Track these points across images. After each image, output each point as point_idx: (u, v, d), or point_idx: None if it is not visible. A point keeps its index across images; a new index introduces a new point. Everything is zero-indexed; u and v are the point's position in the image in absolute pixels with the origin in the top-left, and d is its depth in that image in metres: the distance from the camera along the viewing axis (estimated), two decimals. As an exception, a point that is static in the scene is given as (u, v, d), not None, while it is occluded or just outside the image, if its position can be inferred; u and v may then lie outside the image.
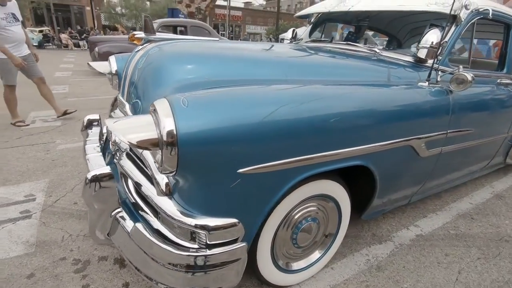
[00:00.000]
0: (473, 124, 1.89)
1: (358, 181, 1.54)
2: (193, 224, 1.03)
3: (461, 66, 1.64)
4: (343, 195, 1.47)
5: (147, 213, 1.22)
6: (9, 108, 3.64)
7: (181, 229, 1.08)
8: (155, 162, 1.06)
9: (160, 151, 0.93)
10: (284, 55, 1.74)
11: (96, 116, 1.93)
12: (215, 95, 1.06)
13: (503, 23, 2.07)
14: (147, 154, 1.17)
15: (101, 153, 1.61)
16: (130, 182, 1.36)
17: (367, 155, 1.34)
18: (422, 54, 1.68)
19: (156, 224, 1.16)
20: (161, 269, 1.09)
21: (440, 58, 1.70)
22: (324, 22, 2.75)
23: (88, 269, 1.54)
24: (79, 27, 23.07)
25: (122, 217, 1.22)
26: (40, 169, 2.57)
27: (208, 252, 1.06)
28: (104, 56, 7.09)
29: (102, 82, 6.83)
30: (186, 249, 1.07)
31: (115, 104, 1.89)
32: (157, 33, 1.79)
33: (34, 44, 13.20)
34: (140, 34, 1.78)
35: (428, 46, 1.63)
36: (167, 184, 1.08)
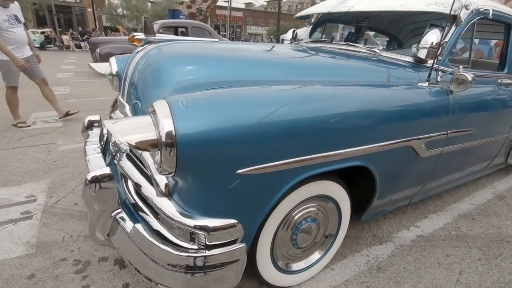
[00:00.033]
0: (474, 125, 1.88)
1: (358, 181, 1.54)
2: (192, 225, 1.03)
3: (461, 66, 1.64)
4: (343, 195, 1.47)
5: (146, 214, 1.23)
6: (11, 109, 3.65)
7: (180, 230, 1.08)
8: (154, 163, 1.06)
9: (159, 152, 0.93)
10: (284, 56, 1.74)
11: (96, 117, 1.94)
12: (214, 96, 1.06)
13: (503, 23, 2.07)
14: (146, 155, 1.17)
15: (101, 154, 1.60)
16: (130, 183, 1.36)
17: (367, 156, 1.34)
18: (422, 54, 1.67)
19: (156, 225, 1.16)
20: (160, 270, 1.09)
21: (440, 58, 1.70)
22: (324, 23, 2.75)
23: (88, 270, 1.54)
24: (80, 29, 23.11)
25: (122, 218, 1.22)
26: (41, 170, 2.58)
27: (208, 253, 1.06)
28: (105, 57, 7.09)
29: (103, 83, 6.84)
30: (186, 250, 1.07)
31: (115, 105, 1.89)
32: (157, 34, 1.80)
33: (36, 45, 13.23)
34: (140, 35, 1.79)
35: (428, 46, 1.63)
36: (166, 185, 1.08)
